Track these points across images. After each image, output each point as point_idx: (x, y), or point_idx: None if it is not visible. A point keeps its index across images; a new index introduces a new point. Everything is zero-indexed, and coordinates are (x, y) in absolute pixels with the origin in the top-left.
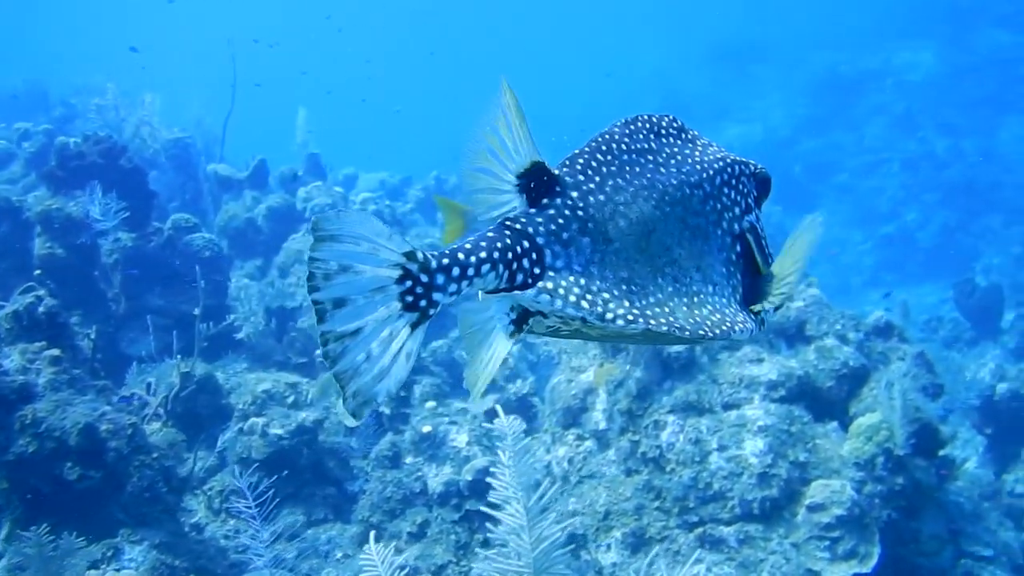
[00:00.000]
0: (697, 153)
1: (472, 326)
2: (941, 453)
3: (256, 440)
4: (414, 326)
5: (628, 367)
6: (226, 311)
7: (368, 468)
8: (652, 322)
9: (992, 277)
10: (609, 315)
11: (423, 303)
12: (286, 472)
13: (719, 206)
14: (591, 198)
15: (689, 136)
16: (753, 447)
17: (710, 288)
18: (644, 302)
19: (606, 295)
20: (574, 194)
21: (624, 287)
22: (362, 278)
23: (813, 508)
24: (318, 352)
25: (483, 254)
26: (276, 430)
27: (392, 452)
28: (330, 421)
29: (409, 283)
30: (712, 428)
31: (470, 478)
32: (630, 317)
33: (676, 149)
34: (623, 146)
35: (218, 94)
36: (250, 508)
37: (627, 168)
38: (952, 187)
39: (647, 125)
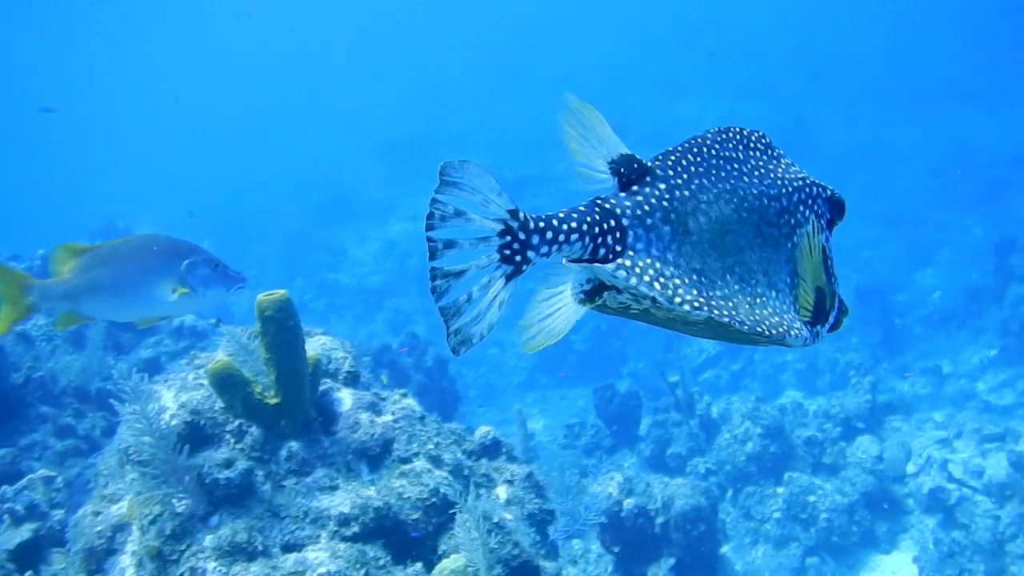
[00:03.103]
0: (780, 170)
1: (547, 289)
2: None
3: None
4: (508, 278)
5: (170, 498)
6: None
7: None
8: (715, 312)
9: (635, 383)
10: (677, 299)
11: (518, 258)
12: None
13: (793, 221)
14: (677, 192)
15: (774, 154)
16: None
17: (773, 293)
18: (711, 293)
19: (677, 281)
20: (662, 186)
21: (695, 277)
22: (472, 226)
23: None
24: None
25: (574, 224)
26: None
27: None
28: None
29: (508, 238)
30: None
31: None
32: (696, 304)
33: (761, 163)
34: (713, 151)
35: None
36: None
37: (713, 171)
38: None
39: (737, 136)
